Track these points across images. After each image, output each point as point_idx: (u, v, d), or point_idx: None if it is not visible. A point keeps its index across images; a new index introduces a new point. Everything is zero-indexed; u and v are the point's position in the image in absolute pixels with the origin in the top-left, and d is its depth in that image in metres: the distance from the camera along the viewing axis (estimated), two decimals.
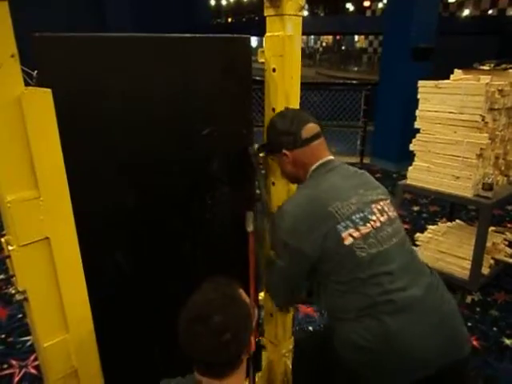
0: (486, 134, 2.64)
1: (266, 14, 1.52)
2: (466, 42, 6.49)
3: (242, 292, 1.11)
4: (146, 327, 1.46)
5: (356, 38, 8.53)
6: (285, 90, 1.57)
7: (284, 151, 1.43)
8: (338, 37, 8.58)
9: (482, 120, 2.62)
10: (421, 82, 2.92)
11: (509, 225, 4.19)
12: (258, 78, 1.83)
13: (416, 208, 4.74)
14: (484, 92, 2.55)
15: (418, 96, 2.94)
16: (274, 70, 1.56)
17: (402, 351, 1.21)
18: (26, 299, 1.11)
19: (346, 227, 1.26)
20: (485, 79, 2.60)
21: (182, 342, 1.03)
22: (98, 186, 1.25)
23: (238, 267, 1.68)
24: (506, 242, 3.31)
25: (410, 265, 1.31)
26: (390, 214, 1.36)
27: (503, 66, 2.83)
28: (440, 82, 2.82)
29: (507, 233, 3.68)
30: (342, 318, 1.30)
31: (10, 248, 1.05)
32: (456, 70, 2.97)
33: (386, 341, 1.21)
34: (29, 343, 2.48)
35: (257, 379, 2.03)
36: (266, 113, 1.67)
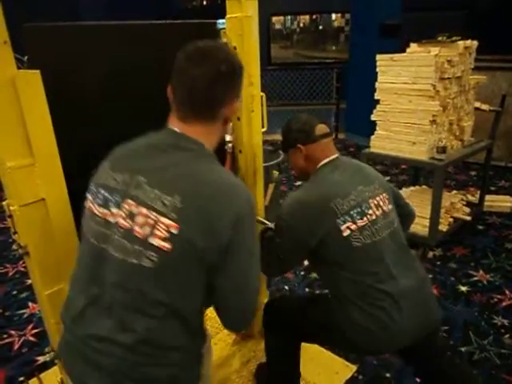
0: (437, 102, 2.87)
1: None
2: (432, 18, 6.69)
3: None
4: None
5: (333, 16, 8.65)
6: (245, 64, 1.76)
7: (299, 145, 1.62)
8: (314, 16, 8.72)
9: (434, 89, 2.85)
10: (378, 56, 3.12)
11: (471, 189, 4.47)
12: None
13: (386, 178, 5.00)
14: (433, 63, 2.77)
15: (377, 69, 3.15)
16: (235, 48, 1.76)
17: (397, 332, 1.43)
18: (27, 253, 1.30)
19: (345, 221, 1.44)
20: (434, 51, 2.82)
21: (178, 66, 1.10)
22: (83, 156, 1.43)
23: None
24: (464, 202, 3.58)
25: (400, 254, 1.50)
26: (385, 208, 1.53)
27: (453, 38, 3.06)
28: (395, 55, 3.03)
29: (468, 195, 3.97)
30: (343, 300, 1.47)
31: (11, 208, 1.23)
32: (412, 44, 3.19)
33: (385, 326, 1.42)
34: (25, 315, 2.67)
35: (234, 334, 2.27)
36: None
